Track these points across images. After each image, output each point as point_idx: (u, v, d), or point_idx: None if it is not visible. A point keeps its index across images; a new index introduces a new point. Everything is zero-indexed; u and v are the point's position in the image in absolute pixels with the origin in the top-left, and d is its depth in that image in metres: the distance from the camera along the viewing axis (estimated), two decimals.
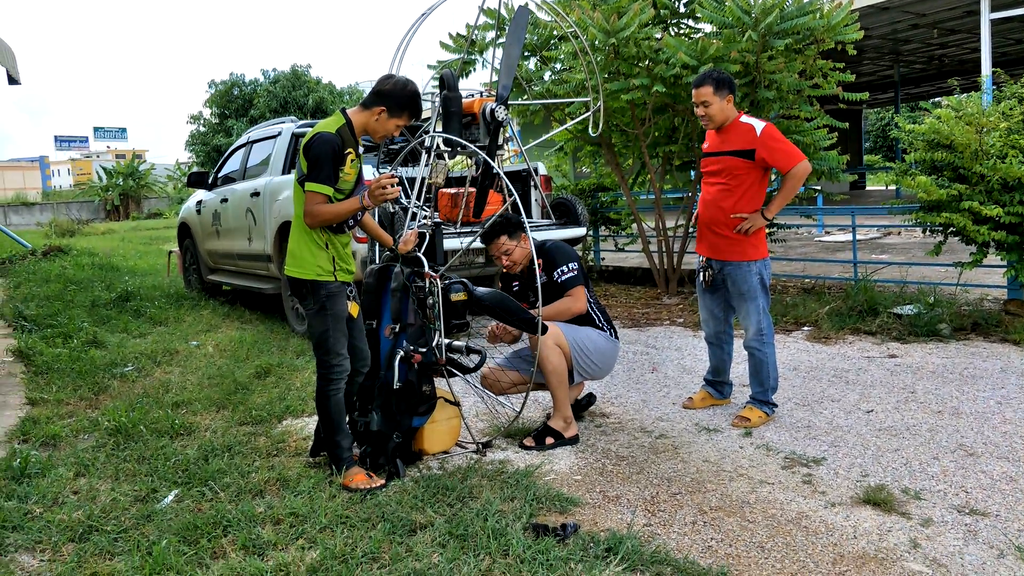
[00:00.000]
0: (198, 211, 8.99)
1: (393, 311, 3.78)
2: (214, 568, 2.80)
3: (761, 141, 4.08)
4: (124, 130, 59.60)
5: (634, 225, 8.84)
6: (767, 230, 7.85)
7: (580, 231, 6.32)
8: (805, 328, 6.47)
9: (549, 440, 3.96)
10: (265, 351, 6.40)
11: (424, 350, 3.69)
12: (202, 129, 31.75)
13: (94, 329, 7.21)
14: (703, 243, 4.38)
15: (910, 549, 2.80)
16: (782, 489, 3.35)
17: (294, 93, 28.63)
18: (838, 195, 8.74)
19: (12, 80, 10.23)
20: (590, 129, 6.15)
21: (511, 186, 3.99)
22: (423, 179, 4.30)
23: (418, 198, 4.25)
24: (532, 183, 6.55)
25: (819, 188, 9.01)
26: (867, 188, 26.57)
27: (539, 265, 4.14)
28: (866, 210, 8.91)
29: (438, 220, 3.96)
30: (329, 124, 3.46)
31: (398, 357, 3.66)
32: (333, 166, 3.39)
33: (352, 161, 3.47)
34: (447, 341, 3.82)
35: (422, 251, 3.81)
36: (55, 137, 58.07)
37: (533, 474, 3.57)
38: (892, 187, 18.91)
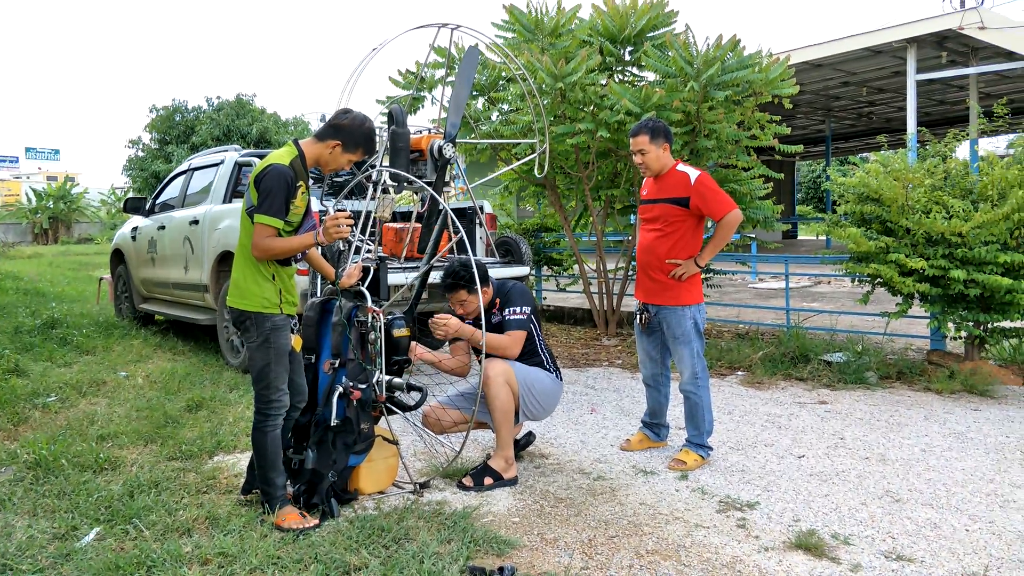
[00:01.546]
0: (133, 238, 8.76)
1: (333, 345, 3.73)
2: None
3: (695, 189, 4.19)
4: (57, 151, 57.74)
5: (576, 266, 8.94)
6: (702, 276, 8.04)
7: (524, 270, 6.36)
8: (739, 372, 6.60)
9: (488, 480, 3.93)
10: (198, 383, 6.23)
11: (364, 386, 3.64)
12: (141, 154, 31.00)
13: (16, 357, 6.91)
14: (640, 287, 4.47)
15: None
16: (717, 533, 3.39)
17: (238, 122, 28.26)
18: (772, 243, 9.00)
19: None
20: (535, 170, 6.21)
21: (458, 223, 3.99)
22: (368, 213, 4.28)
23: (363, 232, 4.23)
24: (477, 221, 6.58)
25: (754, 236, 9.28)
26: (799, 237, 27.45)
27: (496, 304, 4.15)
28: (798, 259, 9.20)
29: (383, 255, 3.94)
30: (282, 156, 3.42)
31: (336, 393, 3.61)
32: (285, 199, 3.35)
33: (302, 194, 3.44)
34: (388, 378, 3.78)
35: (365, 285, 3.77)
36: None
37: (471, 515, 3.53)
38: (823, 237, 19.60)
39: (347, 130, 3.47)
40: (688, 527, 3.45)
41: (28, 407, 5.49)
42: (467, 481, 3.93)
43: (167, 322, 9.08)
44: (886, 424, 5.06)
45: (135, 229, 8.74)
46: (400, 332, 3.76)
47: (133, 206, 8.76)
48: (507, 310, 4.12)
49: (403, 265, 5.73)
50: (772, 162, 7.73)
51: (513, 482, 4.00)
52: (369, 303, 3.70)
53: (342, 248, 3.77)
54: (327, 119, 3.62)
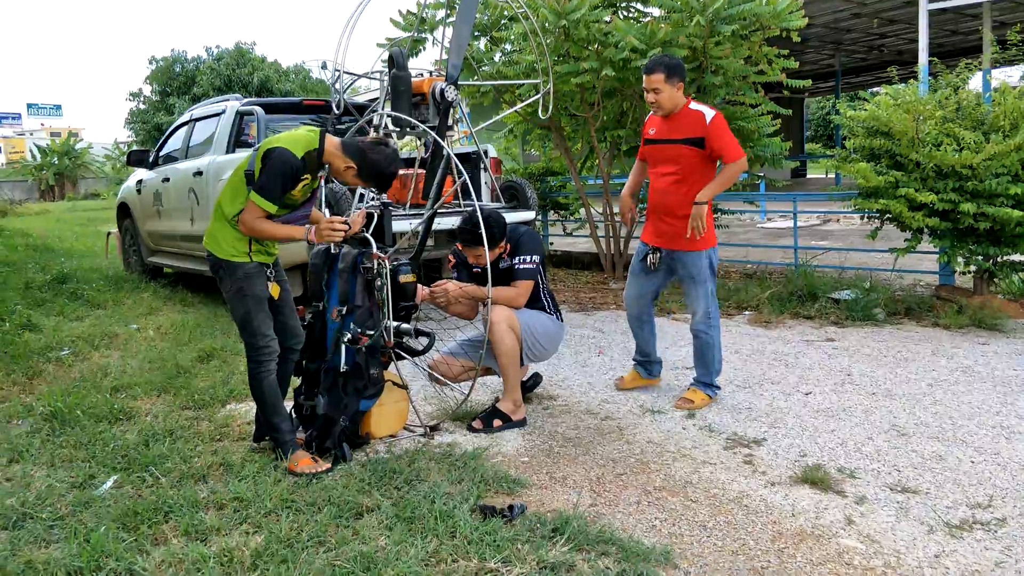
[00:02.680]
0: (138, 191, 8.74)
1: (340, 293, 3.73)
2: (155, 554, 2.75)
3: (711, 130, 4.07)
4: (59, 107, 57.47)
5: (582, 210, 8.89)
6: (713, 215, 7.99)
7: (530, 214, 6.33)
8: (747, 312, 6.61)
9: (497, 423, 3.97)
10: (208, 334, 6.28)
11: (372, 332, 3.66)
12: (142, 107, 30.80)
13: (28, 312, 6.97)
14: (651, 231, 4.41)
15: (845, 526, 2.89)
16: (723, 469, 3.43)
17: (238, 71, 27.96)
18: (780, 182, 8.91)
19: None
20: (540, 112, 6.15)
21: (461, 167, 3.95)
22: None
23: None
24: (482, 165, 6.53)
25: (762, 175, 9.17)
26: (808, 176, 27.16)
27: (506, 249, 4.14)
28: (807, 196, 9.11)
29: (387, 201, 3.92)
30: (299, 143, 3.36)
31: (345, 340, 3.63)
32: (283, 189, 3.34)
33: (304, 186, 3.42)
34: (395, 324, 3.79)
35: (370, 232, 3.76)
36: None
37: (480, 456, 3.58)
38: (832, 175, 19.36)
39: (369, 162, 3.41)
40: (695, 464, 3.49)
41: (42, 361, 5.55)
42: (476, 424, 3.98)
43: (176, 274, 9.12)
44: (893, 360, 5.07)
45: (140, 182, 8.72)
46: (406, 278, 3.76)
47: (137, 159, 8.72)
48: (517, 258, 4.11)
49: (407, 212, 5.72)
50: (780, 99, 7.59)
51: (522, 424, 4.04)
52: (375, 250, 3.70)
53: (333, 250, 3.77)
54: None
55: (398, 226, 5.21)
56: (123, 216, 9.50)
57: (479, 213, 3.85)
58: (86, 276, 9.00)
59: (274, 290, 3.59)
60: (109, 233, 11.35)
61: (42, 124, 58.98)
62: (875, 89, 23.98)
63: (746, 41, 6.76)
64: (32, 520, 3.05)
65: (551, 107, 5.71)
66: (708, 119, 4.08)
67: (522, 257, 4.10)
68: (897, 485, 3.21)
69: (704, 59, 6.67)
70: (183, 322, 6.71)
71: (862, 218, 6.67)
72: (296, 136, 3.39)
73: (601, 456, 3.61)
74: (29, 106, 55.84)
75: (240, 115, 6.93)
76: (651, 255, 4.41)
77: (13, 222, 19.29)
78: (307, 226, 3.47)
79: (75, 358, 5.70)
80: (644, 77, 4.17)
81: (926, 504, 3.04)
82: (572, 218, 9.73)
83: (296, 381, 3.97)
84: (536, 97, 6.21)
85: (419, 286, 3.93)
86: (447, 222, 5.45)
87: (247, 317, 3.47)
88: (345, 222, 3.48)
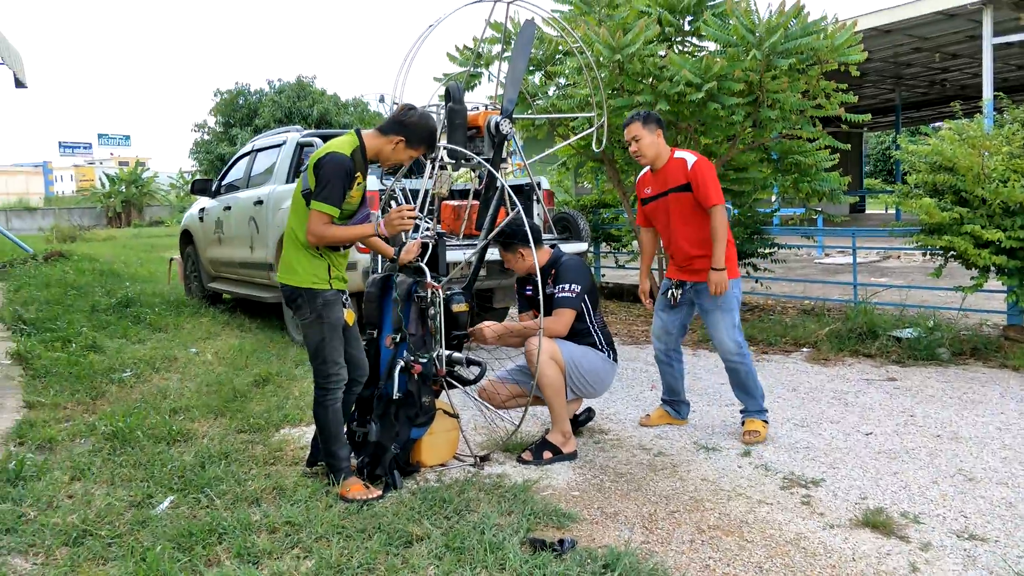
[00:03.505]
0: (201, 218, 9.00)
1: (394, 321, 3.77)
2: (208, 575, 2.78)
3: (692, 174, 4.16)
4: (128, 137, 59.70)
5: (635, 242, 8.85)
6: (767, 251, 7.87)
7: (582, 246, 6.33)
8: (804, 349, 6.46)
9: (547, 455, 3.94)
10: (264, 359, 6.38)
11: (424, 361, 3.68)
12: (206, 137, 31.84)
13: (93, 334, 7.20)
14: (673, 268, 4.46)
15: (909, 573, 2.78)
16: (780, 509, 3.34)
17: (299, 103, 28.75)
18: (838, 217, 8.71)
19: (19, 83, 10.28)
20: (593, 145, 6.15)
21: (515, 198, 3.98)
22: (427, 190, 4.30)
23: (421, 209, 4.25)
24: (535, 197, 6.56)
25: (820, 209, 9.02)
26: (867, 211, 26.62)
27: (551, 274, 4.15)
28: (866, 232, 8.92)
29: (441, 231, 3.96)
30: (343, 145, 3.45)
31: (398, 367, 3.66)
32: (342, 189, 3.39)
33: (358, 185, 3.48)
34: (448, 353, 3.81)
35: (424, 261, 3.80)
36: (59, 143, 58.21)
37: (530, 488, 3.55)
38: (892, 210, 18.94)
39: (412, 127, 3.49)
40: (751, 503, 3.40)
41: (105, 382, 5.71)
42: (526, 455, 3.95)
43: (234, 300, 9.33)
44: (959, 401, 4.90)
45: (202, 210, 8.98)
46: (459, 307, 3.78)
47: (200, 188, 8.99)
48: (558, 287, 4.10)
49: (461, 242, 5.76)
50: (839, 133, 7.49)
51: (572, 456, 4.00)
52: (428, 279, 3.73)
53: (403, 240, 3.80)
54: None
55: (452, 256, 5.25)
56: (186, 243, 9.78)
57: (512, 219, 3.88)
58: (148, 300, 9.26)
59: (349, 317, 3.63)
60: (172, 259, 11.68)
61: (111, 153, 61.30)
62: (936, 124, 23.50)
63: (803, 75, 6.71)
64: (91, 537, 3.11)
65: (604, 140, 5.71)
66: (690, 165, 4.17)
67: (562, 285, 4.09)
68: (964, 532, 3.08)
69: (760, 93, 6.63)
70: (240, 347, 6.84)
71: (924, 255, 6.50)
72: (337, 142, 3.47)
73: (653, 493, 3.55)
74: (100, 136, 58.09)
75: (300, 146, 7.11)
76: (674, 289, 4.40)
77: (81, 247, 19.99)
78: (375, 220, 3.51)
79: (136, 380, 5.85)
80: (624, 130, 4.31)
81: (995, 552, 2.91)
82: (624, 250, 9.69)
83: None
84: (590, 131, 6.22)
85: (486, 323, 3.97)
86: (495, 253, 5.50)
87: (321, 345, 3.50)
88: (413, 209, 3.48)
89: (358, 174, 3.45)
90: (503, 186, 4.08)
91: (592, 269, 10.00)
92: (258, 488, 3.60)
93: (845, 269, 10.62)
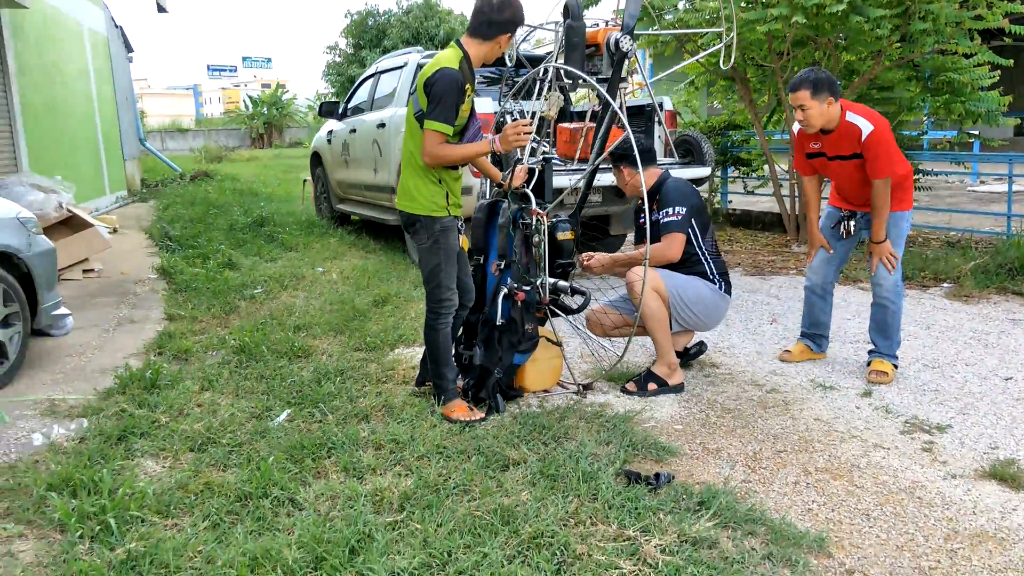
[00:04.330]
0: (328, 141, 9.24)
1: (499, 247, 3.75)
2: (315, 487, 2.93)
3: (865, 147, 3.78)
4: (269, 59, 61.57)
5: (766, 167, 8.41)
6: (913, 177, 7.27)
7: (704, 171, 6.05)
8: (945, 285, 6.00)
9: (652, 386, 3.87)
10: (385, 280, 6.57)
11: (528, 288, 3.65)
12: (337, 59, 32.46)
13: (230, 252, 7.63)
14: (841, 199, 4.14)
15: None
16: (898, 455, 3.15)
17: (426, 24, 28.72)
18: (996, 141, 7.88)
19: (160, 8, 10.72)
20: (721, 62, 5.82)
21: (626, 122, 3.80)
22: (534, 112, 4.19)
23: (536, 132, 4.15)
24: (656, 119, 6.30)
25: (976, 132, 8.22)
26: None
27: (656, 202, 4.00)
28: None
29: (548, 156, 3.86)
30: (450, 58, 3.38)
31: (501, 294, 3.65)
32: (455, 104, 3.34)
33: (468, 97, 3.42)
34: (552, 281, 3.77)
35: (530, 187, 3.73)
36: (207, 66, 60.97)
37: (631, 420, 3.51)
38: None
39: (506, 18, 3.37)
40: (865, 447, 3.23)
41: (238, 298, 6.05)
42: (631, 386, 3.90)
43: (361, 221, 9.61)
44: None
45: (330, 133, 9.21)
46: (564, 235, 3.71)
47: (327, 110, 9.20)
48: (662, 212, 3.94)
49: (568, 167, 5.61)
50: (1002, 48, 6.70)
51: (678, 389, 3.91)
52: (534, 205, 3.67)
53: (518, 155, 3.72)
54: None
55: (559, 182, 5.17)
56: (315, 164, 10.10)
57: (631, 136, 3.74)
58: (282, 220, 9.70)
59: (464, 242, 3.65)
60: (305, 180, 12.15)
61: (255, 76, 63.74)
62: None
63: None
64: (215, 445, 3.34)
65: (733, 56, 5.37)
66: (864, 135, 3.76)
67: (665, 210, 3.92)
68: None
69: (911, 3, 6.02)
70: (364, 267, 7.07)
71: None
72: (442, 55, 3.40)
73: (761, 431, 3.43)
74: (244, 59, 60.27)
75: (420, 68, 7.09)
76: (845, 221, 4.11)
77: (225, 167, 21.14)
78: (490, 137, 3.47)
79: (266, 296, 6.16)
80: (789, 94, 3.89)
81: None
82: (755, 175, 9.24)
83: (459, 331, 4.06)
84: (718, 46, 5.87)
85: (592, 253, 3.89)
86: (609, 178, 5.34)
87: (436, 270, 3.53)
88: (529, 123, 3.41)
89: (467, 86, 3.39)
90: (613, 108, 3.90)
91: (719, 195, 9.63)
92: (368, 405, 3.73)
93: (1000, 198, 9.72)
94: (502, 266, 3.74)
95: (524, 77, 4.35)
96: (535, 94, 4.47)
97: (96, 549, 2.52)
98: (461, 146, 3.42)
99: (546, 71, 4.21)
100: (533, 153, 5.49)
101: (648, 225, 3.63)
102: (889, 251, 3.90)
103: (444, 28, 28.55)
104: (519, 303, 3.65)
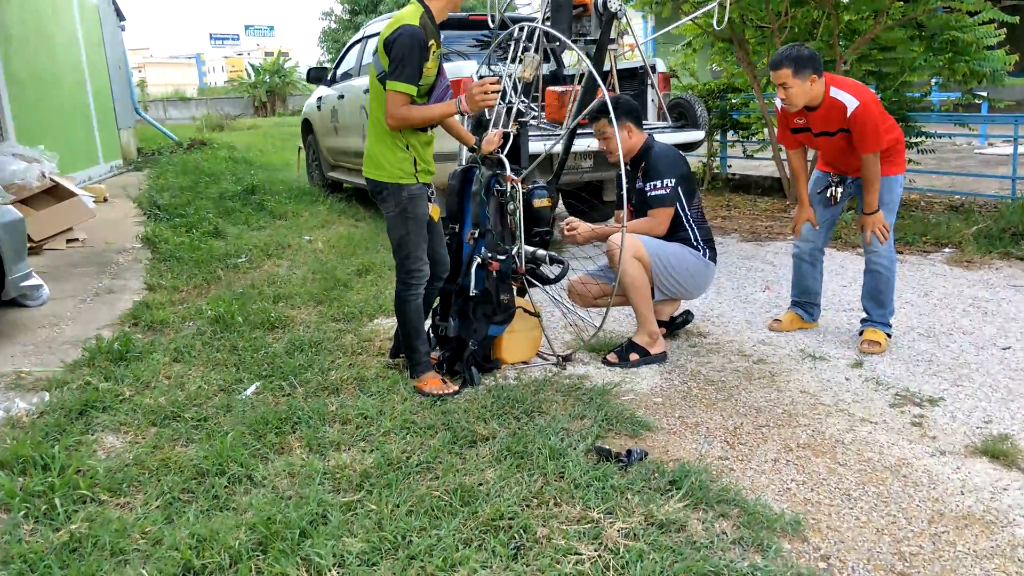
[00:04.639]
0: (318, 107, 9.04)
1: (473, 215, 3.60)
2: (275, 463, 2.81)
3: (851, 122, 3.60)
4: (272, 28, 61.03)
5: (765, 130, 8.18)
6: (915, 140, 7.05)
7: (698, 135, 5.84)
8: (946, 250, 5.82)
9: (633, 356, 3.73)
10: (371, 250, 6.42)
11: (503, 258, 3.50)
12: (333, 26, 32.01)
13: (217, 220, 7.49)
14: (828, 165, 3.97)
15: None
16: (885, 430, 3.00)
17: None
18: (1003, 102, 7.62)
19: None
20: (715, 23, 5.60)
21: (600, 81, 3.58)
22: (511, 75, 4.01)
23: (519, 94, 3.96)
24: (649, 82, 6.08)
25: (985, 94, 7.96)
26: None
27: (641, 170, 3.83)
28: None
29: (523, 119, 3.69)
30: (411, 15, 3.19)
31: (475, 264, 3.50)
32: (418, 63, 3.16)
33: (434, 54, 3.23)
34: (530, 249, 3.62)
35: (506, 152, 3.57)
36: (210, 35, 60.47)
37: (609, 392, 3.38)
38: None
39: None
40: (852, 421, 3.09)
41: (221, 267, 5.93)
42: (611, 357, 3.76)
43: (352, 189, 9.44)
44: None
45: (320, 99, 9.00)
46: (541, 202, 3.55)
47: (316, 76, 8.98)
48: (649, 184, 3.76)
49: (545, 131, 5.42)
50: (1010, 7, 6.42)
51: (661, 358, 3.77)
52: (508, 171, 3.50)
53: (488, 117, 3.53)
54: None
55: (535, 147, 5.00)
56: (307, 132, 9.90)
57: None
58: (273, 188, 9.54)
59: (434, 211, 3.49)
60: (300, 148, 11.96)
61: (257, 44, 63.22)
62: None
63: None
64: (178, 420, 3.22)
65: (727, 17, 5.15)
66: (849, 111, 3.58)
67: (654, 183, 3.74)
68: None
69: None
70: (350, 236, 6.92)
71: None
72: (402, 13, 3.23)
73: (744, 403, 3.29)
74: (246, 27, 59.74)
75: None
76: (833, 187, 3.94)
77: (225, 136, 20.92)
78: (448, 95, 3.29)
79: (250, 266, 6.03)
80: (771, 72, 3.69)
81: None
82: (754, 139, 9.00)
83: (435, 302, 3.92)
84: (711, 5, 5.64)
85: (572, 219, 3.73)
86: (588, 143, 5.14)
87: (404, 239, 3.38)
88: (497, 80, 3.22)
89: (431, 42, 3.20)
90: (588, 67, 3.72)
91: (718, 159, 9.41)
92: (339, 378, 3.61)
93: (1006, 161, 9.46)
94: (476, 235, 3.58)
95: (501, 36, 4.16)
96: (517, 56, 4.27)
97: (40, 531, 2.41)
98: (426, 107, 3.25)
99: (521, 29, 4.01)
100: (520, 115, 5.32)
101: (625, 193, 3.45)
102: (882, 222, 3.73)
103: None
104: (493, 273, 3.50)
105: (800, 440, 2.94)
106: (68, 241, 6.94)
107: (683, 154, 3.90)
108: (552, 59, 6.51)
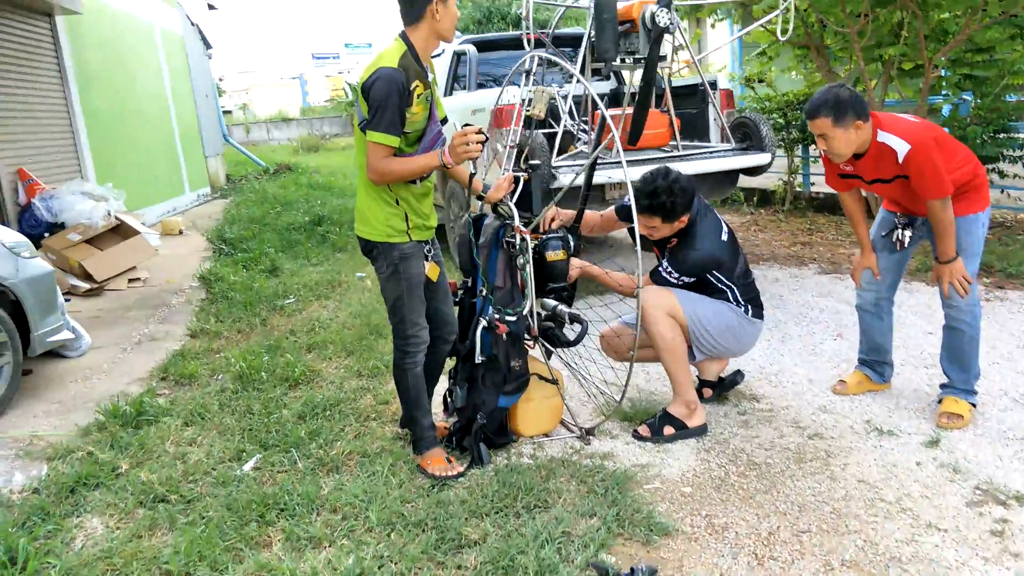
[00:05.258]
0: None
1: (481, 271, 3.25)
2: (248, 563, 2.55)
3: (905, 167, 3.06)
4: (370, 44, 62.31)
5: None
6: (1017, 154, 6.25)
7: (764, 158, 5.27)
8: None
9: (668, 430, 3.29)
10: None
11: (512, 319, 3.13)
12: None
13: (277, 255, 7.44)
14: (894, 204, 3.43)
15: None
16: (954, 541, 2.47)
17: (497, 2, 27.98)
18: None
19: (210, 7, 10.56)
20: (778, 33, 5.07)
21: (600, 104, 3.09)
22: (526, 104, 3.63)
23: (526, 127, 3.58)
24: (709, 100, 5.58)
25: None
26: None
27: (670, 243, 3.37)
28: None
29: (533, 162, 3.30)
30: (391, 55, 2.87)
31: (480, 326, 3.15)
32: (399, 109, 2.84)
33: (419, 96, 2.90)
34: (552, 303, 3.23)
35: (514, 200, 3.19)
36: (312, 54, 62.41)
37: (631, 480, 2.95)
38: None
39: None
40: (915, 527, 2.56)
41: (267, 308, 5.81)
42: (643, 430, 3.32)
43: None
44: None
45: None
46: (555, 255, 3.16)
47: None
48: (664, 265, 3.32)
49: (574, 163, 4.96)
50: None
51: (701, 431, 3.31)
52: (516, 221, 3.13)
53: (472, 170, 3.15)
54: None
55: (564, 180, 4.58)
56: None
57: (662, 177, 3.13)
58: (340, 218, 9.47)
59: (432, 271, 3.16)
60: None
61: (357, 62, 64.73)
62: None
63: None
64: (166, 502, 3.02)
65: (791, 25, 4.63)
66: (901, 157, 3.04)
67: (669, 269, 3.29)
68: None
69: None
70: None
71: None
72: (382, 53, 2.89)
73: (786, 497, 2.80)
74: (346, 45, 61.27)
75: (456, 55, 6.61)
76: (900, 230, 3.38)
77: (316, 158, 21.35)
78: (438, 150, 2.96)
79: (295, 307, 5.88)
80: (808, 121, 3.16)
81: None
82: None
83: (451, 363, 3.59)
84: (774, 13, 5.10)
85: (575, 259, 3.31)
86: (609, 175, 4.68)
87: (399, 302, 3.06)
88: (481, 131, 2.86)
89: (415, 83, 2.86)
90: (590, 92, 3.28)
91: (800, 176, 8.72)
92: (342, 452, 3.34)
93: None
94: (484, 293, 3.23)
95: (517, 63, 3.79)
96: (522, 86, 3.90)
97: None
98: (408, 159, 2.91)
99: (532, 59, 3.64)
100: (574, 139, 4.92)
101: (639, 253, 3.00)
102: (961, 272, 3.14)
103: (516, 5, 27.80)
104: (503, 336, 3.14)
105: (846, 555, 2.43)
106: (130, 281, 7.00)
107: (724, 242, 3.36)
108: (613, 78, 6.10)
